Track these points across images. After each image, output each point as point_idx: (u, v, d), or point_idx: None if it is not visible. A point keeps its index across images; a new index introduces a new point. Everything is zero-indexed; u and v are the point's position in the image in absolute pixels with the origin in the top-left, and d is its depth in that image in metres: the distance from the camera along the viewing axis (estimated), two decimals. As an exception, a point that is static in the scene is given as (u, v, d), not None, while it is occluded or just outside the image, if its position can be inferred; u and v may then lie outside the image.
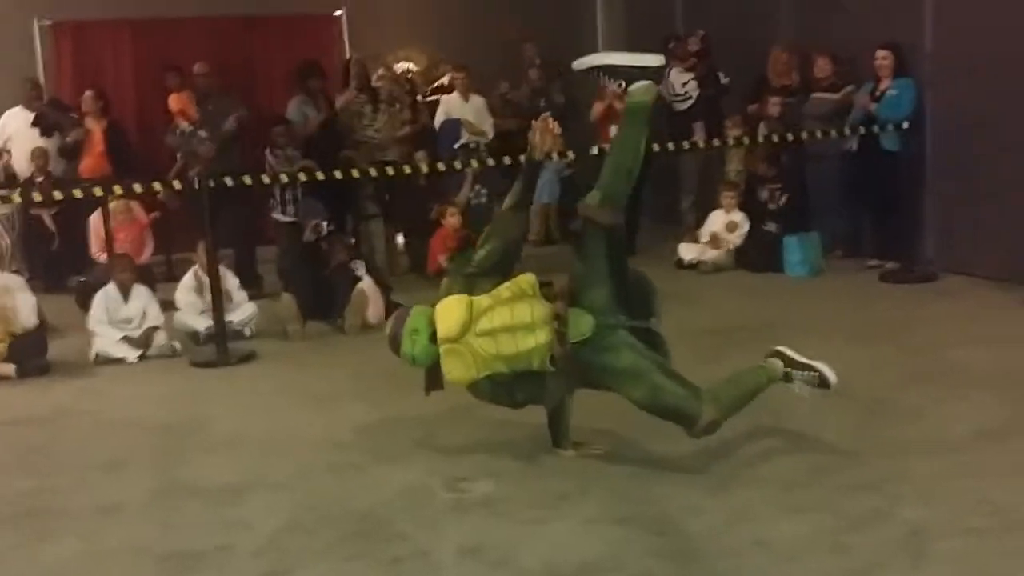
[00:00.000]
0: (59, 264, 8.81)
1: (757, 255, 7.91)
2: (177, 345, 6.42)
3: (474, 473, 4.00)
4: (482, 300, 3.96)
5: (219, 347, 6.14)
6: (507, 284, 4.00)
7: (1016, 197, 6.78)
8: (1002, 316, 6.05)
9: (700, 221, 8.67)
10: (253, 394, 5.47)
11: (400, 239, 8.99)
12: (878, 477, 3.73)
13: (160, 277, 8.19)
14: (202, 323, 6.63)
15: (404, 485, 3.94)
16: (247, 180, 6.34)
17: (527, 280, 3.99)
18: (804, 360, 3.99)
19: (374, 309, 6.83)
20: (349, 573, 3.26)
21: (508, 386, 4.00)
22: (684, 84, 8.95)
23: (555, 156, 5.86)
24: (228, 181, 6.18)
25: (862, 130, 7.43)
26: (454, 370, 3.96)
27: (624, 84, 4.02)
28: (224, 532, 3.62)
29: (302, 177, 6.89)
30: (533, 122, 4.28)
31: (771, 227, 7.94)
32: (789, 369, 3.98)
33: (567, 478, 3.90)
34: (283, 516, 3.72)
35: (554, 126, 4.21)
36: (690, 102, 8.94)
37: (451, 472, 4.03)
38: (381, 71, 8.86)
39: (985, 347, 5.39)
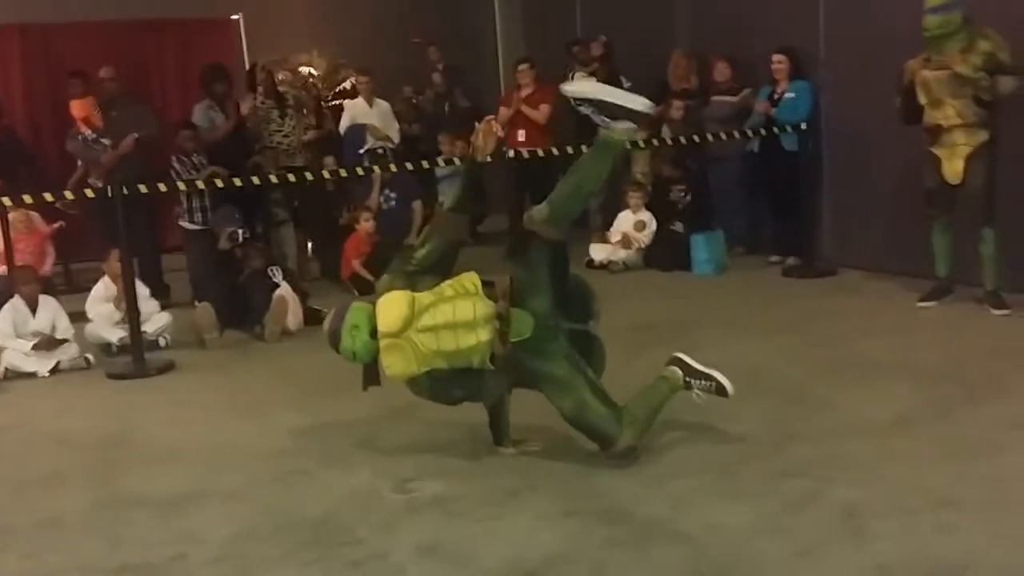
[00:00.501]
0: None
1: (665, 254, 8.15)
2: (91, 357, 6.30)
3: (421, 474, 4.06)
4: (424, 296, 4.04)
5: (136, 358, 6.04)
6: (450, 282, 4.09)
7: (905, 194, 7.16)
8: (901, 308, 6.37)
9: (608, 222, 8.86)
10: (181, 405, 5.41)
11: (309, 245, 8.95)
12: (806, 462, 3.92)
13: (60, 288, 8.00)
14: (115, 334, 6.52)
15: (353, 489, 3.98)
16: (162, 187, 6.25)
17: (470, 279, 4.09)
18: (703, 369, 4.16)
19: (293, 316, 6.81)
20: (310, 578, 3.29)
21: (447, 382, 4.08)
22: (587, 87, 9.12)
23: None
24: (143, 188, 6.07)
25: (763, 132, 7.72)
26: (394, 365, 4.03)
27: (607, 120, 4.07)
28: (175, 543, 3.59)
29: (219, 184, 6.80)
30: (479, 125, 4.30)
31: (678, 227, 8.19)
32: (688, 378, 4.14)
33: (513, 475, 4.00)
34: (235, 525, 3.71)
35: (497, 128, 4.30)
36: (594, 103, 9.11)
37: (398, 474, 4.08)
38: (285, 75, 8.80)
39: (889, 338, 5.70)
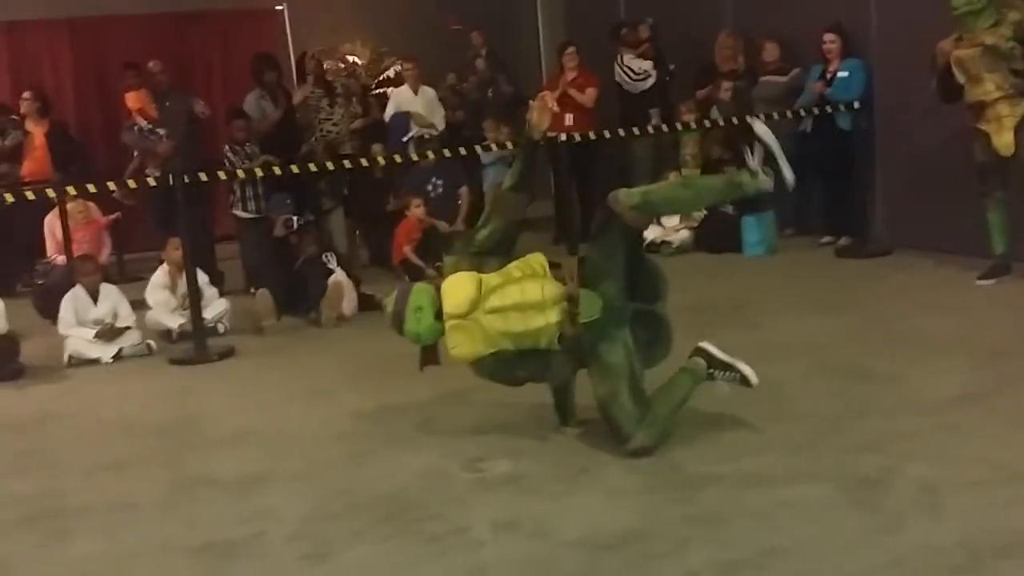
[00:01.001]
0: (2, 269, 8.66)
1: (716, 236, 8.12)
2: (152, 344, 6.38)
3: (488, 454, 4.08)
4: (492, 278, 4.05)
5: (198, 344, 6.12)
6: (517, 263, 4.10)
7: (958, 174, 7.08)
8: (957, 286, 6.33)
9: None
10: (242, 389, 5.48)
11: (357, 232, 9.01)
12: (876, 438, 3.90)
13: (113, 279, 8.10)
14: (175, 321, 6.61)
15: (421, 468, 4.01)
16: (221, 175, 6.32)
17: (537, 260, 4.10)
18: (727, 359, 4.11)
19: (349, 302, 6.86)
20: (390, 552, 3.32)
21: (511, 363, 4.09)
22: (641, 66, 9.09)
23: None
24: (202, 176, 6.14)
25: (816, 111, 7.66)
26: (461, 345, 4.04)
27: (757, 165, 4.05)
28: (252, 521, 3.64)
29: (276, 171, 6.84)
30: (531, 102, 4.31)
31: (728, 208, 8.15)
32: (712, 369, 4.10)
33: (581, 454, 4.01)
34: (308, 503, 3.76)
35: (552, 103, 4.29)
36: (651, 80, 9.09)
37: (464, 454, 4.10)
38: (334, 64, 8.86)
39: (946, 316, 5.65)
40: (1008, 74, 5.83)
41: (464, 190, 9.13)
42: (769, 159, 4.09)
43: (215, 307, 6.72)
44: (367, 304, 7.01)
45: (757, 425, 4.15)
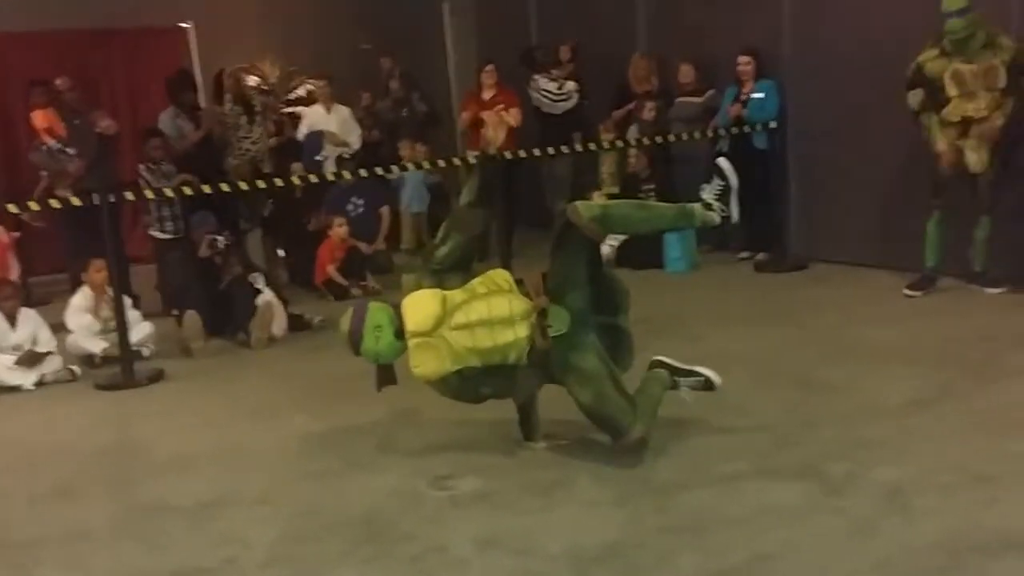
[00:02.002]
0: None
1: (637, 252, 8.20)
2: (76, 369, 6.14)
3: (454, 472, 4.04)
4: (456, 294, 4.04)
5: (125, 368, 5.90)
6: (480, 279, 4.10)
7: (866, 189, 7.39)
8: (881, 297, 6.55)
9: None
10: (179, 413, 5.30)
11: (279, 252, 8.84)
12: (838, 445, 4.01)
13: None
14: (98, 345, 6.36)
15: (390, 488, 3.95)
16: (149, 194, 6.13)
17: (502, 275, 4.11)
18: (686, 367, 4.23)
19: (278, 322, 6.73)
20: (375, 575, 3.26)
21: (475, 381, 4.08)
22: (560, 87, 9.16)
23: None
24: (129, 196, 5.95)
25: (734, 130, 7.86)
26: (426, 363, 4.00)
27: (711, 199, 4.16)
28: (220, 547, 3.53)
29: (205, 190, 6.65)
30: (488, 118, 4.32)
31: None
32: (675, 377, 4.20)
33: (550, 468, 4.01)
34: (278, 527, 3.66)
35: (510, 116, 4.30)
36: (572, 101, 9.16)
37: (430, 472, 4.05)
38: (254, 81, 8.69)
39: (877, 326, 5.85)
40: (999, 95, 6.05)
41: (385, 209, 9.06)
42: (724, 195, 4.17)
43: (139, 330, 6.49)
44: (296, 324, 6.90)
45: (721, 434, 4.23)
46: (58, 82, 7.92)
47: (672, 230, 4.23)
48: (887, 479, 3.64)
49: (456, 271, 4.17)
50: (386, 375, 4.22)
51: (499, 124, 4.31)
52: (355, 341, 4.11)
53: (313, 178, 7.36)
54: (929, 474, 3.66)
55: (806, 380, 4.90)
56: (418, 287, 4.13)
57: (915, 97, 6.31)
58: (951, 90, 6.13)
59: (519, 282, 4.11)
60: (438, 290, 4.07)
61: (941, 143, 6.27)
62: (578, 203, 4.05)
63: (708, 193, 4.18)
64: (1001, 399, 4.42)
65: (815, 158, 7.88)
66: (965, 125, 6.13)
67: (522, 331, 3.96)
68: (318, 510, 3.79)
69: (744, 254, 8.23)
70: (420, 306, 4.03)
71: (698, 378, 4.19)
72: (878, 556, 3.10)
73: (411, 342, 4.02)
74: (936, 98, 6.21)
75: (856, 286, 6.97)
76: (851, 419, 4.30)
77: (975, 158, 6.12)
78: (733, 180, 4.19)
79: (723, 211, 4.15)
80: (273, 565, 3.38)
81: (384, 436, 4.57)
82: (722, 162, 4.24)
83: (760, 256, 8.07)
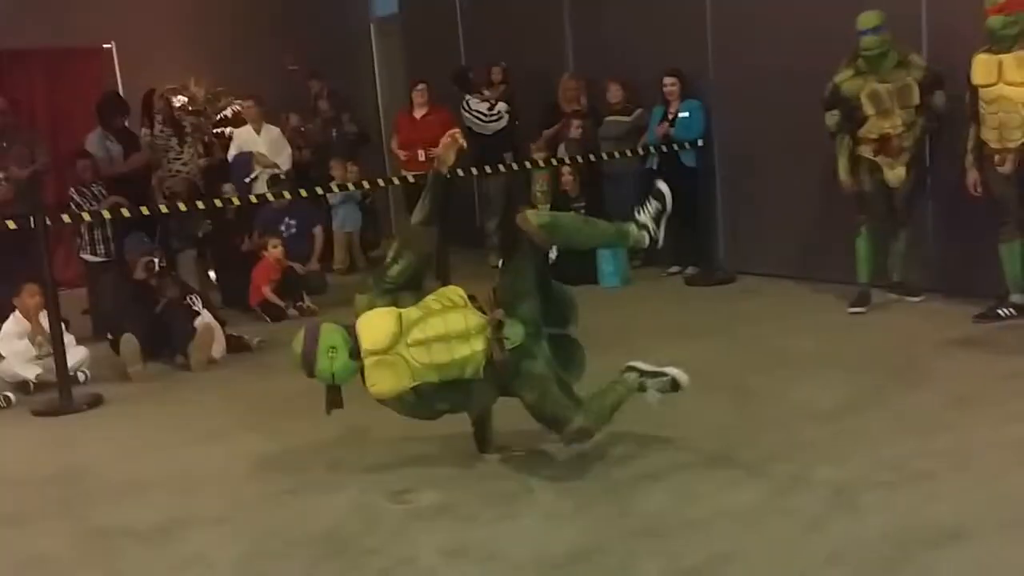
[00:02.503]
0: None
1: (571, 268, 8.31)
2: (11, 396, 6.03)
3: (412, 486, 4.09)
4: (411, 312, 4.09)
5: (63, 393, 5.83)
6: (433, 296, 4.17)
7: (791, 204, 7.66)
8: (804, 308, 6.79)
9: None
10: (123, 437, 5.25)
11: (212, 273, 8.79)
12: (781, 447, 4.18)
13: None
14: (32, 371, 6.26)
15: (347, 505, 3.98)
16: (86, 216, 6.07)
17: (455, 291, 4.18)
18: (655, 368, 4.35)
19: (217, 344, 6.70)
20: (344, 589, 3.31)
21: (432, 396, 4.13)
22: (491, 108, 9.29)
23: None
24: (65, 218, 5.88)
25: (663, 148, 8.07)
26: (384, 381, 4.03)
27: (644, 221, 4.28)
28: (184, 569, 3.53)
29: (125, 213, 6.61)
30: (444, 139, 4.37)
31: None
32: (644, 379, 4.31)
33: (506, 479, 4.10)
34: (241, 546, 3.68)
35: (460, 139, 4.38)
36: (503, 121, 9.29)
37: (387, 487, 4.09)
38: (182, 101, 8.65)
39: (807, 336, 6.06)
40: (913, 111, 6.27)
41: (318, 230, 9.08)
42: (658, 217, 4.31)
43: (74, 354, 6.38)
44: (235, 346, 6.87)
45: (669, 441, 4.36)
46: (-5, 103, 7.77)
47: (608, 247, 4.38)
48: (831, 478, 3.81)
49: (409, 289, 4.23)
50: (334, 398, 4.22)
51: (451, 144, 4.35)
52: (309, 363, 4.11)
53: (252, 199, 7.36)
54: (869, 472, 3.83)
55: (744, 387, 5.08)
56: (371, 306, 4.17)
57: (832, 118, 6.51)
58: (868, 109, 6.31)
59: (472, 298, 4.20)
60: (393, 308, 4.13)
61: (843, 172, 6.50)
62: (528, 211, 4.16)
63: (644, 215, 4.31)
64: (925, 401, 4.65)
65: (741, 175, 8.14)
66: (883, 142, 6.34)
67: (478, 345, 4.04)
68: (279, 529, 3.81)
69: (674, 268, 8.43)
70: (376, 325, 4.08)
71: (665, 379, 4.30)
72: (830, 550, 3.25)
73: (367, 361, 4.06)
74: (852, 117, 6.41)
75: (782, 298, 7.21)
76: (790, 423, 4.48)
77: (892, 174, 6.34)
78: (670, 204, 4.33)
79: (654, 233, 4.29)
80: (240, 583, 3.40)
81: (337, 454, 4.60)
82: (661, 185, 4.36)
83: (689, 270, 8.29)
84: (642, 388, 4.29)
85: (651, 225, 4.28)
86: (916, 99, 6.27)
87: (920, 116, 6.33)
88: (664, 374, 4.31)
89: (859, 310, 6.52)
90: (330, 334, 4.13)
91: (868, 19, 6.26)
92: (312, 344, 4.11)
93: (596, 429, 4.10)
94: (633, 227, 4.28)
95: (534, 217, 4.06)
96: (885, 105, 6.29)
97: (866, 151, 6.42)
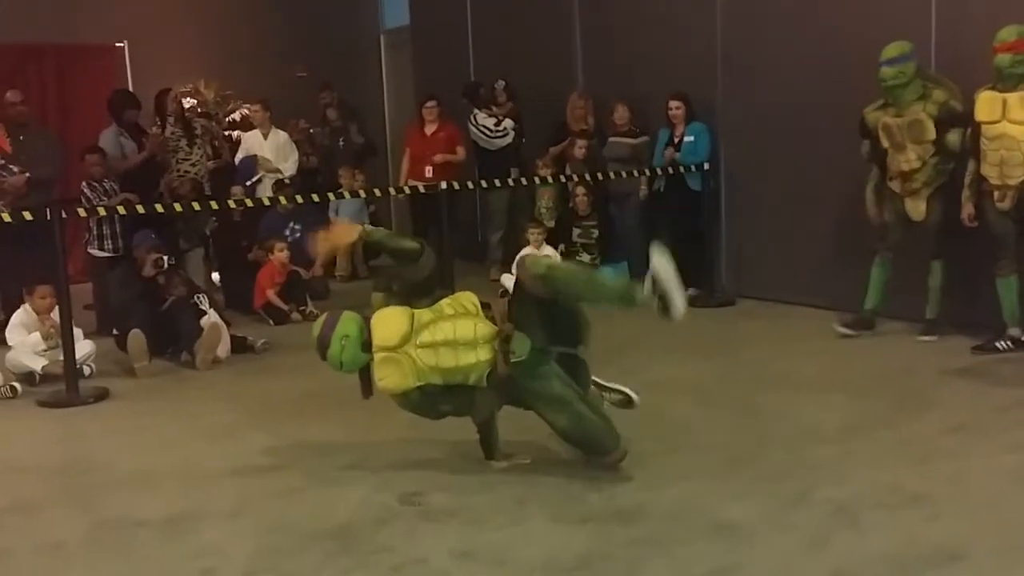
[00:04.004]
0: None
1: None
2: (17, 386, 6.08)
3: (423, 488, 4.15)
4: (423, 314, 4.19)
5: (69, 386, 5.88)
6: (448, 300, 4.27)
7: (796, 229, 7.76)
8: (805, 332, 6.89)
9: (508, 256, 9.12)
10: (130, 431, 5.31)
11: (215, 275, 8.85)
12: (784, 465, 4.27)
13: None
14: (38, 362, 6.32)
15: (360, 503, 4.05)
16: (101, 212, 6.14)
17: (469, 298, 4.28)
18: (610, 385, 4.51)
19: (223, 344, 6.76)
20: (357, 584, 3.37)
21: (436, 397, 4.25)
22: (498, 124, 9.41)
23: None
24: (81, 212, 5.96)
25: (670, 171, 8.17)
26: (388, 377, 4.15)
27: (654, 289, 3.98)
28: (197, 559, 3.59)
29: (140, 210, 6.69)
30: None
31: (585, 258, 8.54)
32: (602, 393, 4.46)
33: (513, 486, 4.16)
34: (254, 539, 3.74)
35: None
36: (509, 138, 9.40)
37: (398, 488, 4.16)
38: (193, 103, 8.73)
39: (809, 358, 6.18)
40: (929, 146, 6.17)
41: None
42: (666, 288, 4.00)
43: (80, 348, 6.41)
44: (239, 347, 6.94)
45: (674, 455, 4.46)
46: (8, 95, 7.82)
47: (609, 306, 4.27)
48: (833, 497, 3.89)
49: (422, 296, 4.31)
50: (369, 384, 4.31)
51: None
52: (322, 346, 4.26)
53: (265, 201, 7.44)
54: (871, 493, 3.92)
55: (747, 406, 5.17)
56: (386, 305, 4.27)
57: (863, 147, 6.53)
58: (884, 141, 6.32)
59: (486, 306, 4.29)
60: (407, 308, 4.22)
61: (869, 203, 6.49)
62: (528, 256, 4.26)
63: (648, 286, 4.05)
64: (925, 428, 4.75)
65: (747, 199, 8.24)
66: (902, 176, 6.30)
67: (484, 354, 4.13)
68: (291, 524, 3.88)
69: (674, 289, 8.51)
70: (388, 322, 4.19)
71: (620, 396, 4.44)
72: (832, 567, 3.33)
73: (376, 356, 4.18)
74: (877, 149, 6.41)
75: (783, 322, 7.32)
76: (793, 442, 4.57)
77: (912, 208, 6.33)
78: (668, 279, 3.99)
79: (661, 312, 4.02)
80: (255, 575, 3.46)
81: (346, 454, 4.67)
82: (656, 259, 4.06)
83: (690, 291, 8.35)
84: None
85: (656, 304, 4.03)
86: (930, 135, 6.14)
87: (939, 153, 6.19)
88: (619, 391, 4.47)
89: (848, 332, 6.55)
90: (347, 323, 4.25)
91: (887, 50, 6.20)
92: (329, 330, 4.25)
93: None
94: (639, 291, 4.07)
95: (531, 265, 4.14)
96: (896, 139, 6.25)
97: (893, 184, 6.40)
